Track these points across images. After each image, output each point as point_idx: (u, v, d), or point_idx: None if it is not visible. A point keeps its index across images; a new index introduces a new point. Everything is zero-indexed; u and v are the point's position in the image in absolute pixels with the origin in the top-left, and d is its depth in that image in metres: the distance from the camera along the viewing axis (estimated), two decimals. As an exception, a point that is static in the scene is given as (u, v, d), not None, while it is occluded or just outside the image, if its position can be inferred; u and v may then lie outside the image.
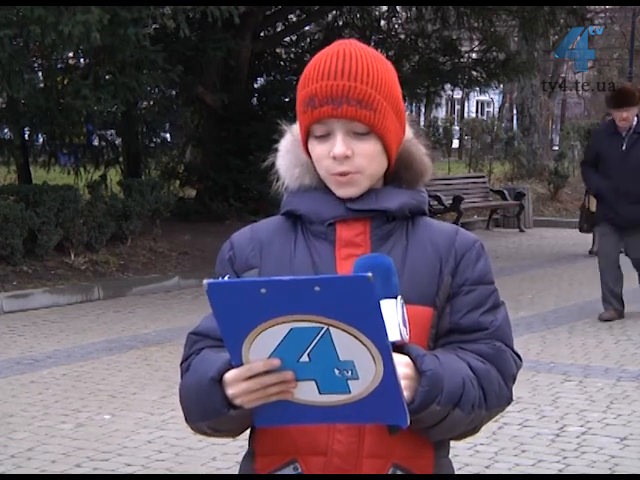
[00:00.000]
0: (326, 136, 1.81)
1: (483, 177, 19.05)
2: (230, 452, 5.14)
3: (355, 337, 1.56)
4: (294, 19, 16.53)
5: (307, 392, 1.62)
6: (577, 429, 5.78)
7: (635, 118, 8.67)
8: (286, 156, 1.90)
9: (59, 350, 7.60)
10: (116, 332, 8.36)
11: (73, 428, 5.72)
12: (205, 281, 1.55)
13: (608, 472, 5.08)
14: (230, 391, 1.68)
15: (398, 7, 16.54)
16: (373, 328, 1.56)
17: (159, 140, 14.42)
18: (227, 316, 1.58)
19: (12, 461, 5.14)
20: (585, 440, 5.58)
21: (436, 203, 15.89)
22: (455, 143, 32.42)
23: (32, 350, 7.63)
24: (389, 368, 1.58)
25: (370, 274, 1.52)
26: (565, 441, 5.57)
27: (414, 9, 16.30)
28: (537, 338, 8.22)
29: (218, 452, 5.24)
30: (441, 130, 30.95)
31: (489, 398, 1.79)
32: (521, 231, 17.25)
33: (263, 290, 1.54)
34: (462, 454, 5.16)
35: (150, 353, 7.59)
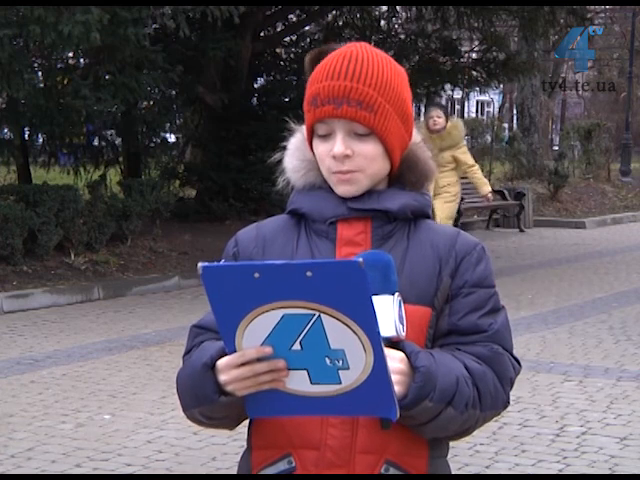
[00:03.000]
0: (328, 135, 1.83)
1: (483, 177, 19.02)
2: (230, 452, 5.15)
3: (346, 325, 1.57)
4: (294, 19, 16.54)
5: (299, 382, 1.64)
6: (577, 429, 5.78)
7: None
8: (295, 154, 1.93)
9: (59, 350, 7.60)
10: (116, 332, 8.36)
11: (73, 428, 5.73)
12: (199, 264, 1.56)
13: (608, 472, 5.09)
14: (222, 377, 1.70)
15: (398, 7, 16.53)
16: (363, 315, 1.56)
17: (159, 140, 14.42)
18: (221, 301, 1.59)
19: (12, 461, 5.14)
20: (585, 440, 5.59)
21: (436, 203, 15.87)
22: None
23: (32, 350, 7.64)
24: (379, 357, 1.59)
25: (361, 259, 1.52)
26: (565, 441, 5.57)
27: (414, 9, 16.30)
28: (537, 338, 8.23)
29: (218, 452, 5.24)
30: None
31: (484, 399, 1.79)
32: (521, 231, 17.26)
33: (256, 274, 1.55)
34: (462, 454, 5.17)
35: (150, 353, 7.60)
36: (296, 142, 1.93)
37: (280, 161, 1.95)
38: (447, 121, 9.98)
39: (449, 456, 1.93)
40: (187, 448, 5.35)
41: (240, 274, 1.57)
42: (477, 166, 10.72)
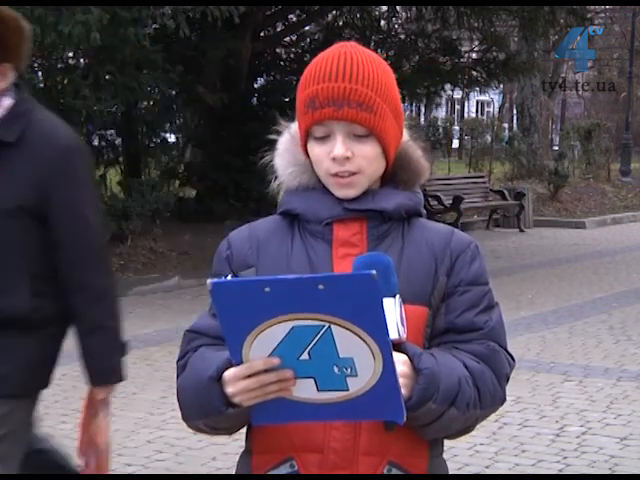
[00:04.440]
0: (326, 137, 1.82)
1: (483, 177, 19.05)
2: (230, 452, 5.14)
3: (356, 334, 1.57)
4: (294, 19, 16.54)
5: (305, 390, 1.64)
6: (577, 429, 5.79)
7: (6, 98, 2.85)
8: (284, 155, 1.92)
9: (59, 350, 7.58)
10: (116, 332, 8.35)
11: (73, 428, 5.72)
12: (209, 281, 1.56)
13: (608, 472, 5.09)
14: (229, 389, 1.69)
15: (398, 7, 16.53)
16: (375, 325, 1.57)
17: (159, 140, 14.42)
18: (230, 315, 1.59)
19: (12, 461, 5.14)
20: (585, 440, 5.59)
21: (436, 203, 15.88)
22: (455, 143, 32.47)
23: (32, 350, 7.62)
24: (388, 365, 1.60)
25: (374, 272, 1.53)
26: (565, 441, 5.57)
27: (414, 9, 16.30)
28: (537, 338, 8.23)
29: (218, 452, 5.24)
30: (441, 130, 31.01)
31: (483, 398, 1.80)
32: (521, 231, 17.26)
33: (267, 289, 1.54)
34: (462, 454, 5.16)
35: (150, 353, 7.59)
36: (285, 143, 1.92)
37: (270, 162, 1.94)
38: None
39: (449, 456, 1.94)
40: (187, 448, 5.35)
41: (250, 289, 1.56)
42: None
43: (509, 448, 5.42)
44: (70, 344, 3.03)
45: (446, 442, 1.93)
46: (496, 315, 1.87)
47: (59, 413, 6.00)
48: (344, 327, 1.57)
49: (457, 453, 5.12)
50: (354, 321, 1.56)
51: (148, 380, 6.78)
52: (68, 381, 6.75)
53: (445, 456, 1.94)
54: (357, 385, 1.62)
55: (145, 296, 10.26)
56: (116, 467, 5.06)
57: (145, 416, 5.95)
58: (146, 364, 7.25)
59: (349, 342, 1.58)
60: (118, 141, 14.50)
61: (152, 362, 7.30)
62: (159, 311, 9.42)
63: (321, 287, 1.53)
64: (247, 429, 1.88)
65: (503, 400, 1.87)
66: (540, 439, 5.59)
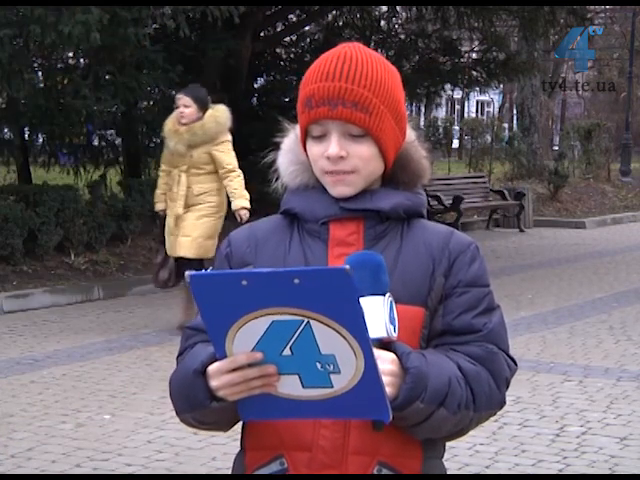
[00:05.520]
0: (322, 137, 1.82)
1: (483, 177, 19.05)
2: (230, 452, 5.14)
3: (335, 330, 1.57)
4: (294, 19, 16.53)
5: (291, 386, 1.64)
6: (577, 429, 5.79)
7: None
8: (287, 155, 1.93)
9: (59, 350, 7.59)
10: (116, 332, 8.36)
11: (73, 428, 5.73)
12: (187, 273, 1.57)
13: (608, 472, 5.09)
14: (213, 383, 1.70)
15: (398, 7, 16.53)
16: (352, 321, 1.56)
17: (159, 140, 14.41)
18: (210, 308, 1.60)
19: (12, 461, 5.14)
20: (585, 440, 5.59)
21: (436, 203, 15.89)
22: (455, 143, 32.47)
23: (32, 350, 7.63)
24: (370, 362, 1.59)
25: (348, 267, 1.52)
26: (565, 441, 5.57)
27: (414, 9, 16.30)
28: (537, 338, 8.23)
29: (218, 452, 5.24)
30: (441, 130, 31.01)
31: (478, 399, 1.77)
32: (521, 231, 17.27)
33: (244, 282, 1.55)
34: (462, 454, 5.16)
35: (150, 353, 7.60)
36: (289, 143, 1.93)
37: (275, 161, 1.95)
38: (204, 110, 8.00)
39: (449, 456, 1.93)
40: (187, 448, 5.35)
41: (228, 282, 1.57)
42: (238, 172, 8.17)
43: (509, 448, 5.42)
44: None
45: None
46: (496, 318, 1.85)
47: (59, 413, 6.00)
48: (323, 323, 1.57)
49: (457, 453, 5.12)
50: (332, 317, 1.56)
51: (148, 380, 6.78)
52: (68, 381, 6.76)
53: (445, 456, 1.91)
54: (341, 383, 1.61)
55: (145, 296, 10.26)
56: (116, 467, 5.07)
57: (145, 416, 5.95)
58: (146, 364, 7.25)
59: (329, 338, 1.58)
60: (118, 141, 14.49)
61: (152, 362, 7.30)
62: (159, 311, 9.42)
63: (297, 281, 1.53)
64: (242, 427, 1.88)
65: (502, 403, 1.84)
66: (540, 439, 5.59)
